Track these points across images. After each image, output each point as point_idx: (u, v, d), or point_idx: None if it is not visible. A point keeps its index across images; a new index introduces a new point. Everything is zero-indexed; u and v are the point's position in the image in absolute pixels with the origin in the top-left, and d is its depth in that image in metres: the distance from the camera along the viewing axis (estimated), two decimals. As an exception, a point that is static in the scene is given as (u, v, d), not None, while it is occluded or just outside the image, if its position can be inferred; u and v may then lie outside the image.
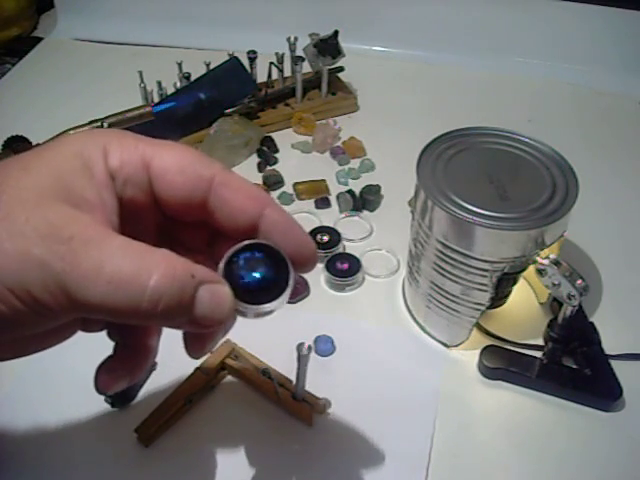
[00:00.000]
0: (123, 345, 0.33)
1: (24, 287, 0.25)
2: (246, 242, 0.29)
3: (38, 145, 0.62)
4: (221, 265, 0.29)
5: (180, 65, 0.74)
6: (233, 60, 0.74)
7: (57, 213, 0.26)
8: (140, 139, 0.30)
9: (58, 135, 0.60)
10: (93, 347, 0.54)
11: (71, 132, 0.60)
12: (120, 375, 0.32)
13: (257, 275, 0.29)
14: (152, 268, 0.26)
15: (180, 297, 0.26)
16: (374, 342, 0.53)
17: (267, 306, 0.29)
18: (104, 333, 0.44)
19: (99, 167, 0.28)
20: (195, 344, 0.32)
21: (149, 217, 0.31)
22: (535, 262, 0.46)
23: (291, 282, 0.29)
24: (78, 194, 0.27)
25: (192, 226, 0.32)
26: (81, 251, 0.25)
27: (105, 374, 0.32)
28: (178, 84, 0.74)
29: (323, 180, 0.68)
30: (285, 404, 0.48)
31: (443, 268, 0.48)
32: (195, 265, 0.27)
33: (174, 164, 0.29)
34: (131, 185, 0.29)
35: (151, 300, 0.25)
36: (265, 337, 0.52)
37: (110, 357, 0.32)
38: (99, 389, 0.31)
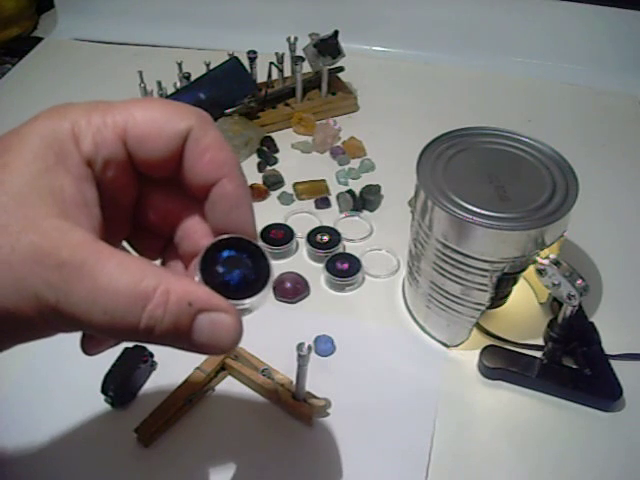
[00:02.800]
0: None
1: (16, 316, 0.24)
2: (222, 237, 0.28)
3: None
4: (197, 260, 0.27)
5: (180, 65, 0.74)
6: (233, 60, 0.74)
7: (44, 235, 0.24)
8: (106, 109, 0.27)
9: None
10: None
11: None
12: (103, 338, 0.30)
13: (237, 271, 0.27)
14: (145, 297, 0.25)
15: (175, 325, 0.25)
16: (374, 342, 0.53)
17: (256, 298, 0.27)
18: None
19: (74, 159, 0.26)
20: None
21: (127, 193, 0.30)
22: (535, 262, 0.46)
23: (271, 277, 0.28)
24: (59, 196, 0.25)
25: (165, 197, 0.31)
26: (74, 280, 0.24)
27: (90, 338, 0.30)
28: (178, 84, 0.74)
29: (323, 180, 0.68)
30: (285, 404, 0.48)
31: (443, 268, 0.48)
32: (195, 289, 0.26)
33: (150, 126, 0.27)
34: (110, 166, 0.28)
35: (147, 328, 0.25)
36: (265, 337, 0.52)
37: None
38: (85, 352, 0.30)
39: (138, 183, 0.30)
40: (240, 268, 0.27)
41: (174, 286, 0.25)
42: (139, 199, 0.31)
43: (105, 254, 0.25)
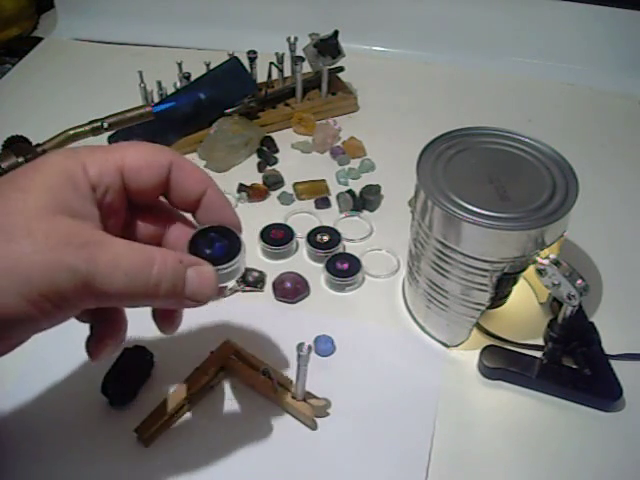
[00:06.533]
0: (98, 322, 0.38)
1: (56, 290, 0.30)
2: (204, 226, 0.38)
3: (38, 145, 0.62)
4: (186, 244, 0.37)
5: (180, 65, 0.74)
6: (233, 60, 0.74)
7: (66, 225, 0.32)
8: (106, 150, 0.36)
9: (58, 135, 0.60)
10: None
11: (71, 132, 0.60)
12: (106, 344, 0.37)
13: (216, 245, 0.37)
14: (152, 260, 0.33)
15: (174, 279, 0.34)
16: (374, 342, 0.53)
17: (231, 263, 0.36)
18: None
19: (82, 181, 0.34)
20: (165, 321, 0.40)
21: (119, 215, 0.37)
22: (535, 262, 0.46)
23: (243, 245, 0.37)
24: (70, 206, 0.33)
25: (149, 218, 0.39)
26: (98, 253, 0.32)
27: (93, 345, 0.37)
28: (178, 84, 0.74)
29: (323, 180, 0.68)
30: (285, 404, 0.48)
31: (443, 268, 0.48)
32: (182, 254, 0.35)
33: (141, 160, 0.36)
34: (110, 191, 0.35)
35: (155, 284, 0.33)
36: (265, 337, 0.53)
37: (90, 335, 0.38)
38: (91, 357, 0.37)
39: (128, 209, 0.38)
40: (219, 243, 0.37)
41: (169, 253, 0.34)
42: (127, 223, 0.38)
43: (113, 237, 0.33)
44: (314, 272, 0.59)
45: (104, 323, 0.37)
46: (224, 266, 0.36)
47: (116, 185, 0.36)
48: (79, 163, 0.34)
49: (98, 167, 0.35)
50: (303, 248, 0.61)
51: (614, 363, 0.50)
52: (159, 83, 0.73)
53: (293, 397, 0.47)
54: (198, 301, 0.36)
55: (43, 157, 0.35)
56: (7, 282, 0.30)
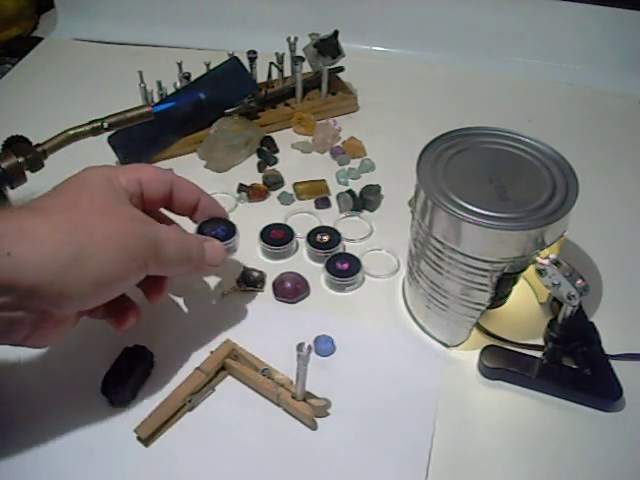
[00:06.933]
0: (111, 311, 0.46)
1: (142, 255, 0.43)
2: (205, 218, 0.52)
3: (38, 145, 0.62)
4: (195, 230, 0.51)
5: (180, 65, 0.74)
6: (233, 60, 0.74)
7: (131, 209, 0.44)
8: (127, 167, 0.48)
9: (58, 135, 0.60)
10: (93, 348, 0.54)
11: (71, 132, 0.60)
12: (129, 315, 0.46)
13: (217, 229, 0.52)
14: (185, 236, 0.48)
15: (198, 250, 0.47)
16: (374, 342, 0.53)
17: (230, 241, 0.52)
18: (102, 338, 0.51)
19: (119, 187, 0.45)
20: (154, 293, 0.48)
21: None
22: (535, 262, 0.46)
23: (237, 230, 0.53)
24: (121, 200, 0.45)
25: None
26: (157, 229, 0.45)
27: (114, 320, 0.46)
28: (178, 84, 0.74)
29: (323, 180, 0.68)
30: (285, 404, 0.48)
31: (443, 268, 0.48)
32: (198, 235, 0.51)
33: (152, 176, 0.48)
34: (134, 198, 0.46)
35: (190, 253, 0.47)
36: (265, 337, 0.53)
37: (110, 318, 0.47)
38: (116, 328, 0.46)
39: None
40: (219, 229, 0.52)
41: (190, 233, 0.50)
42: None
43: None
44: (314, 272, 0.59)
45: (115, 310, 0.46)
46: (225, 242, 0.51)
47: (137, 193, 0.46)
48: (113, 174, 0.45)
49: (126, 178, 0.46)
50: (303, 248, 0.61)
51: (614, 363, 0.50)
52: (159, 83, 0.73)
53: (293, 397, 0.47)
54: (214, 265, 0.49)
55: (84, 170, 0.45)
56: (117, 253, 0.41)
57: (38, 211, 0.40)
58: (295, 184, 0.68)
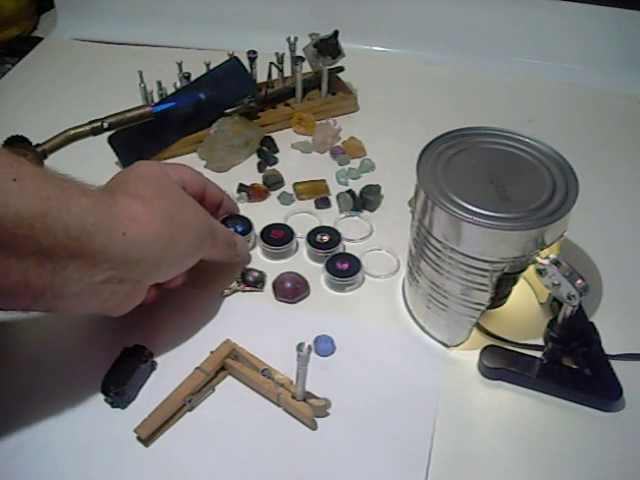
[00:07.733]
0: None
1: (206, 241, 0.51)
2: (225, 215, 0.60)
3: (38, 145, 0.62)
4: None
5: (180, 65, 0.74)
6: (233, 60, 0.74)
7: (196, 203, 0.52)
8: (169, 167, 0.53)
9: (58, 135, 0.60)
10: (93, 348, 0.54)
11: (71, 132, 0.60)
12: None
13: (237, 226, 0.60)
14: (229, 230, 0.58)
15: (233, 244, 0.56)
16: (374, 342, 0.53)
17: (249, 235, 0.60)
18: (102, 338, 0.51)
19: (177, 180, 0.52)
20: (176, 278, 0.52)
21: None
22: (535, 262, 0.46)
23: (254, 227, 0.61)
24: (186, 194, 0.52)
25: None
26: (213, 220, 0.54)
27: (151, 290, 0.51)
28: (178, 84, 0.74)
29: (323, 180, 0.68)
30: (285, 404, 0.48)
31: (443, 268, 0.48)
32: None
33: (190, 176, 0.55)
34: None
35: (235, 244, 0.56)
36: (265, 337, 0.53)
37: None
38: (146, 302, 0.50)
39: None
40: (238, 225, 0.60)
41: (230, 231, 0.58)
42: None
43: None
44: (314, 272, 0.59)
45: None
46: (246, 237, 0.59)
47: (181, 188, 0.52)
48: (164, 169, 0.51)
49: (173, 173, 0.52)
50: (303, 248, 0.61)
51: (614, 363, 0.50)
52: (159, 83, 0.73)
53: (293, 397, 0.47)
54: (241, 256, 0.57)
55: (139, 165, 0.50)
56: (194, 235, 0.50)
57: (136, 197, 0.46)
58: (295, 184, 0.68)
